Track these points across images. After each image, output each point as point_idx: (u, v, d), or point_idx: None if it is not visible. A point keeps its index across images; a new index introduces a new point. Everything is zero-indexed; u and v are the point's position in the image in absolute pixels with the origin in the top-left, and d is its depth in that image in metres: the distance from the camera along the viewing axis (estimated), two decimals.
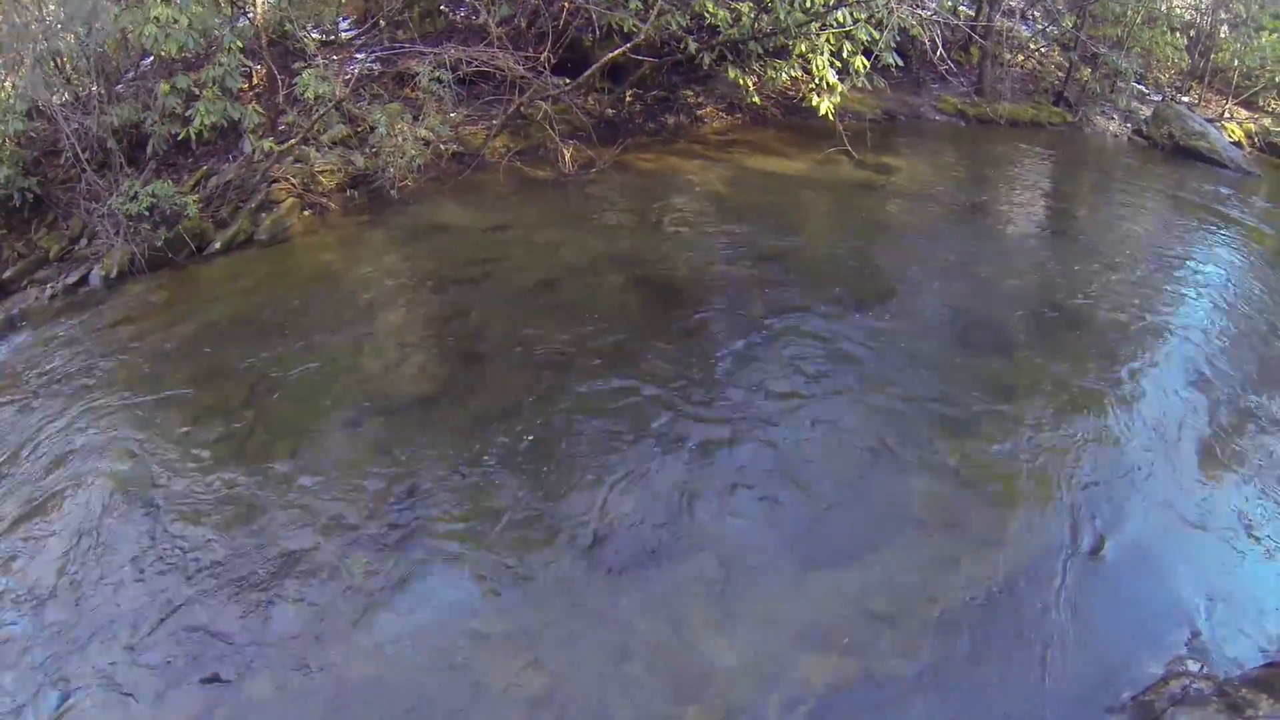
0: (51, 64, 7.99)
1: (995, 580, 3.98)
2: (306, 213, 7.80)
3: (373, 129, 8.01)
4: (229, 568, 3.98)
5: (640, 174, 8.99)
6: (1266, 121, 13.62)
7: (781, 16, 9.06)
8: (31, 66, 7.50)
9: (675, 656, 3.57)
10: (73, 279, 6.98)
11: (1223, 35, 14.28)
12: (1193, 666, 3.60)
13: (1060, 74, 13.37)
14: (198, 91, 7.34)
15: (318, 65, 7.65)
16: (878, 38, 9.18)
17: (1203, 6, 14.42)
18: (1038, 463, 4.75)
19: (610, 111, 10.23)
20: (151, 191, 7.03)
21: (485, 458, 4.63)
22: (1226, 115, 13.62)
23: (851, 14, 9.18)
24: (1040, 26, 14.34)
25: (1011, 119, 12.39)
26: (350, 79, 8.44)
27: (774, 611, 3.78)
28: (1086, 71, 13.14)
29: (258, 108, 7.66)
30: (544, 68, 8.65)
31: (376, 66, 9.06)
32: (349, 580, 3.90)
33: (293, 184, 7.87)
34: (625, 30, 8.87)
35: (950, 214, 8.56)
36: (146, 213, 7.04)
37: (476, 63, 8.38)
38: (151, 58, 8.21)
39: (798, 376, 5.36)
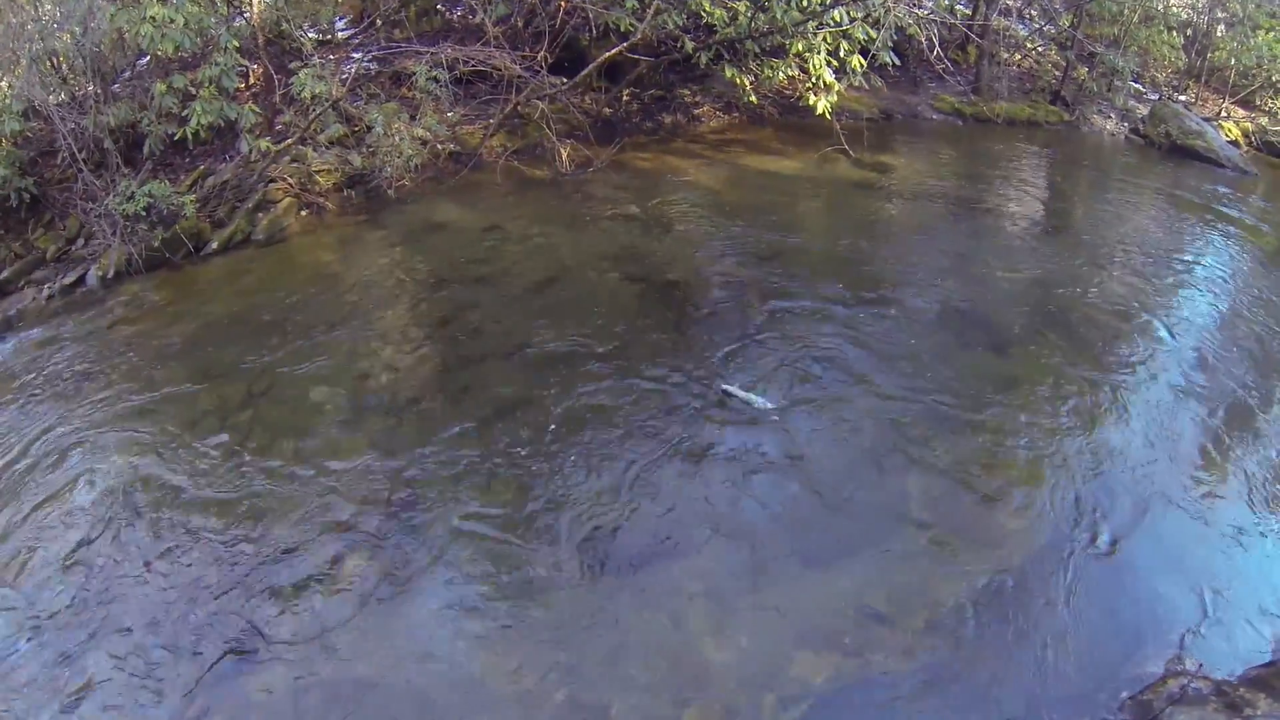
0: (48, 64, 7.97)
1: (994, 579, 3.98)
2: (304, 212, 7.79)
3: (370, 128, 8.00)
4: (227, 566, 3.97)
5: (637, 173, 8.98)
6: (1263, 120, 13.64)
7: (778, 15, 9.06)
8: (28, 66, 7.49)
9: (674, 656, 3.57)
10: (70, 279, 6.97)
11: (1219, 34, 14.30)
12: (1191, 666, 3.61)
13: (1057, 73, 13.38)
14: (194, 91, 7.33)
15: (314, 65, 7.63)
16: (875, 37, 9.17)
17: (1199, 5, 14.45)
18: (1036, 461, 4.76)
19: (607, 111, 10.23)
20: (148, 191, 7.02)
21: (483, 457, 4.63)
22: (1223, 114, 13.63)
23: (848, 13, 9.17)
24: (1037, 25, 14.35)
25: (1008, 118, 12.40)
26: (347, 78, 8.42)
27: (774, 611, 3.78)
28: (1083, 70, 13.15)
29: (254, 107, 7.65)
30: (541, 67, 8.65)
31: (373, 66, 9.05)
32: (346, 579, 3.90)
33: (290, 184, 7.86)
34: (622, 29, 8.87)
35: (947, 213, 8.56)
36: (143, 213, 7.03)
37: (473, 62, 8.37)
38: (148, 57, 8.20)
39: (795, 375, 5.37)
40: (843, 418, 5.03)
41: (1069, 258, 7.53)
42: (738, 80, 9.92)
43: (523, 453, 4.66)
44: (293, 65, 8.08)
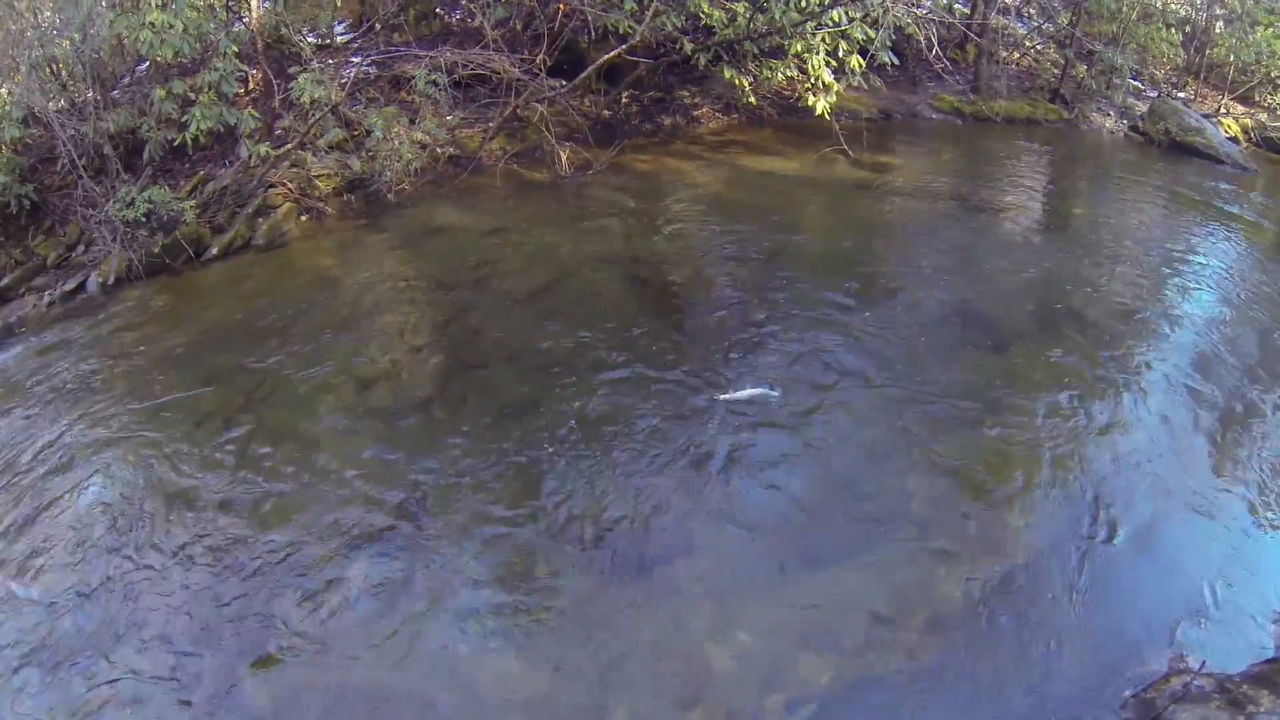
0: (47, 70, 7.99)
1: (996, 578, 3.98)
2: (303, 217, 7.80)
3: (369, 133, 8.01)
4: (229, 569, 3.98)
5: (637, 175, 8.99)
6: (1263, 116, 13.64)
7: (777, 16, 9.07)
8: (27, 73, 7.50)
9: (676, 657, 3.57)
10: (70, 286, 6.98)
11: (1218, 30, 14.31)
12: (1193, 663, 3.60)
13: (1056, 71, 13.37)
14: (194, 96, 7.34)
15: (314, 69, 7.64)
16: (873, 36, 9.18)
17: (1198, 2, 14.45)
18: (1037, 459, 4.75)
19: (606, 113, 10.23)
20: (148, 197, 7.02)
21: (484, 460, 4.63)
22: (1223, 111, 13.63)
23: (847, 13, 9.18)
24: (1036, 24, 14.36)
25: (1008, 116, 12.41)
26: (346, 83, 8.43)
27: (778, 612, 3.78)
28: (1082, 68, 13.15)
29: (254, 112, 7.65)
30: (540, 70, 8.66)
31: (372, 70, 9.07)
32: (348, 582, 3.90)
33: (289, 188, 7.87)
34: (621, 32, 8.88)
35: (948, 211, 8.56)
36: (143, 219, 7.04)
37: (472, 65, 8.39)
38: (147, 63, 8.22)
39: (797, 375, 5.36)
40: (846, 417, 5.03)
41: (1069, 256, 7.52)
42: (737, 81, 9.92)
43: (523, 455, 4.67)
44: (292, 70, 8.09)
